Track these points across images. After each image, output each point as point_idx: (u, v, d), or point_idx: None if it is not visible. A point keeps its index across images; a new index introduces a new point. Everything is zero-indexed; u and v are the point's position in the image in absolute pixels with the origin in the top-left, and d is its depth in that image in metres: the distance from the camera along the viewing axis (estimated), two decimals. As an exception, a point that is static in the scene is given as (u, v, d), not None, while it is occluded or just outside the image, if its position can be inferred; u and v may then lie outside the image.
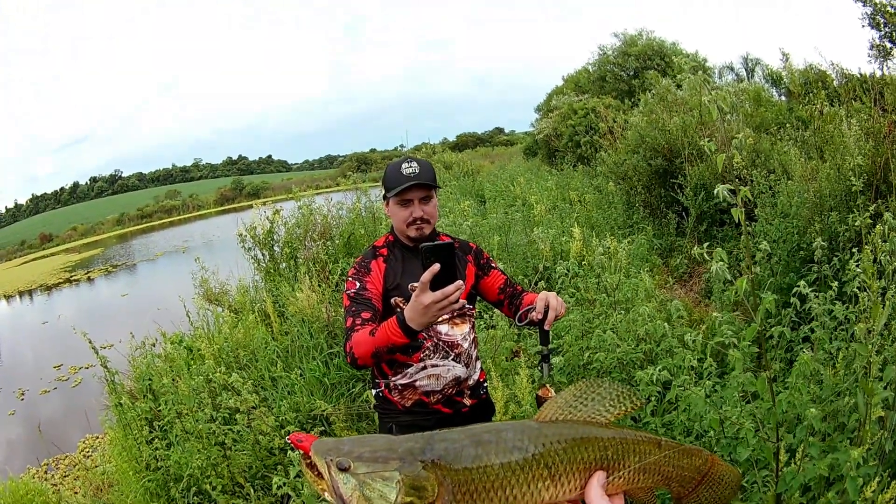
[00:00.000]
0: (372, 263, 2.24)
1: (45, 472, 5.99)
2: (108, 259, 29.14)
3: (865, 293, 1.82)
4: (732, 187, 1.56)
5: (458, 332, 2.26)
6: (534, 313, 2.13)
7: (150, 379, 5.43)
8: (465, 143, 58.65)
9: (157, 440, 4.46)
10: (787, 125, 7.12)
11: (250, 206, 7.93)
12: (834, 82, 7.08)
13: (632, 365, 3.72)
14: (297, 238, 7.38)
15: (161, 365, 5.78)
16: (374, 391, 2.35)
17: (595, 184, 11.10)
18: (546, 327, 2.14)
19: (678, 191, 7.69)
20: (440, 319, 2.12)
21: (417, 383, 2.21)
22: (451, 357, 2.23)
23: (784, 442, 1.85)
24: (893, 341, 1.91)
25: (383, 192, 2.28)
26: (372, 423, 4.31)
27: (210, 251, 19.77)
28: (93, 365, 5.17)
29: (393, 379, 2.23)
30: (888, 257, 1.91)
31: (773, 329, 2.20)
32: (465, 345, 2.27)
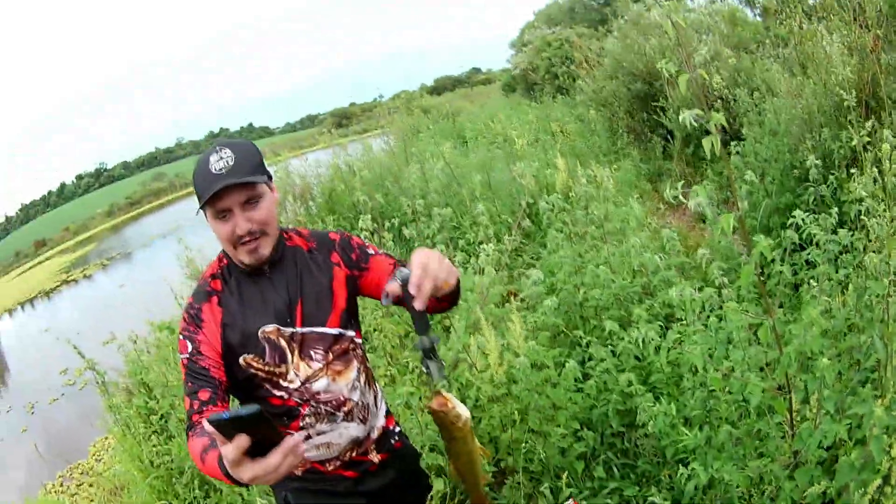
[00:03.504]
0: (203, 310, 1.59)
1: (62, 485, 5.83)
2: (102, 253, 28.74)
3: (875, 220, 1.64)
4: (699, 113, 1.33)
5: (343, 383, 1.67)
6: (394, 285, 1.48)
7: (141, 372, 5.31)
8: (444, 86, 56.66)
9: (154, 436, 4.33)
10: (767, 43, 6.90)
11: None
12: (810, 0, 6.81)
13: (629, 300, 3.55)
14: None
15: (152, 356, 5.67)
16: None
17: (576, 113, 10.84)
18: (418, 306, 1.38)
19: (661, 114, 7.49)
20: (317, 380, 1.63)
21: (306, 455, 1.59)
22: (341, 418, 1.68)
23: (796, 394, 1.69)
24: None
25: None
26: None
27: (204, 226, 19.55)
28: (97, 364, 5.00)
29: None
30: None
31: (774, 266, 2.03)
32: (356, 396, 1.71)
